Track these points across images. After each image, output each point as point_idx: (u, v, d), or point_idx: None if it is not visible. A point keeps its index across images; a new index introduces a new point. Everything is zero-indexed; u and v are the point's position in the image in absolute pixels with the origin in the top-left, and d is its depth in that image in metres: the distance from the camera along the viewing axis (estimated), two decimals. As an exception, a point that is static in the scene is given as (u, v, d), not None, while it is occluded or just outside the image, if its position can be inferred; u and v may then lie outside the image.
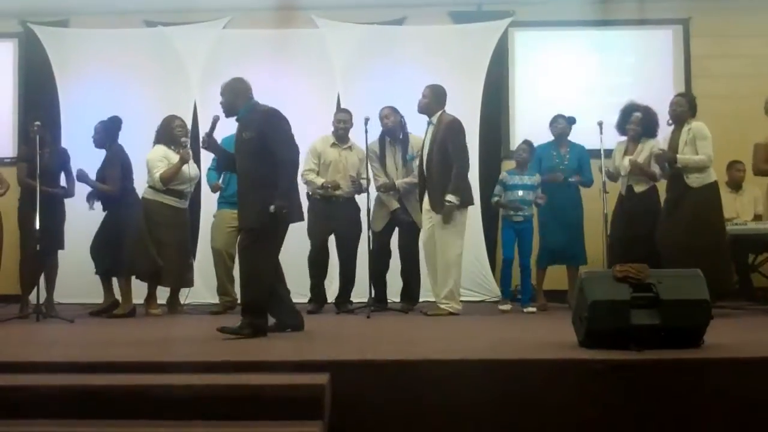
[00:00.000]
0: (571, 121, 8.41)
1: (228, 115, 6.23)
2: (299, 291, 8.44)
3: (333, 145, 8.40)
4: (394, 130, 8.15)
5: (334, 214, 8.24)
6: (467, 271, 8.78)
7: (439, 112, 7.63)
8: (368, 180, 8.01)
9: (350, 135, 8.45)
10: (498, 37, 9.81)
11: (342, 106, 9.39)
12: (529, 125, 9.16)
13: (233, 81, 6.25)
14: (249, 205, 5.93)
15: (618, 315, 4.53)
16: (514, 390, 4.23)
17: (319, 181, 8.23)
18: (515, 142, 8.78)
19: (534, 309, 7.89)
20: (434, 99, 7.67)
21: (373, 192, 8.15)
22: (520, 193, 7.97)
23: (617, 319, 4.53)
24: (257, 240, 5.83)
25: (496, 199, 8.10)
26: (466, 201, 7.56)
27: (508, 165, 8.69)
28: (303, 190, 8.29)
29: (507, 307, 7.95)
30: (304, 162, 8.31)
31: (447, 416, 4.21)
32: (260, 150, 5.91)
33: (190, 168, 8.04)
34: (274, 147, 5.90)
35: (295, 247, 8.33)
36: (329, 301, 8.44)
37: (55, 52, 10.07)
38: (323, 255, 8.34)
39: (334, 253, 8.47)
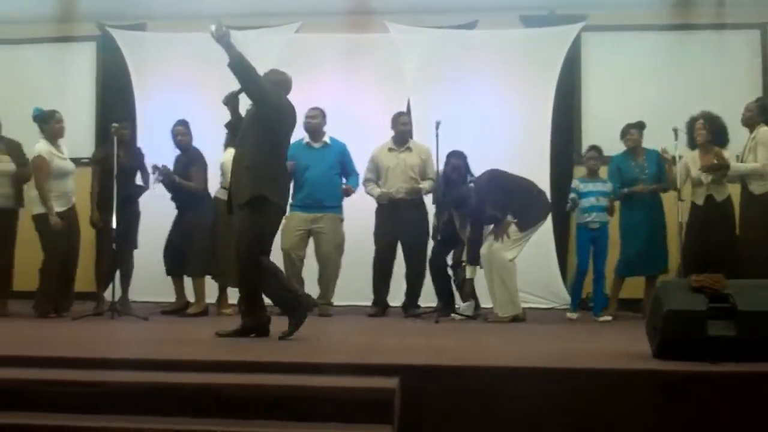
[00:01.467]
0: (642, 126, 8.27)
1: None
2: (363, 295, 8.52)
3: (390, 150, 8.43)
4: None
5: (399, 218, 8.25)
6: (536, 277, 8.73)
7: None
8: (433, 180, 7.99)
9: (419, 137, 8.45)
10: (570, 42, 9.70)
11: (412, 110, 9.41)
12: (601, 131, 9.04)
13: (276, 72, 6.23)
14: (242, 183, 5.79)
15: (693, 325, 4.43)
16: (584, 400, 4.18)
17: (376, 192, 8.31)
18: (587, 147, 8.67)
19: (609, 318, 7.79)
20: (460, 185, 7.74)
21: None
22: (594, 199, 7.88)
23: (693, 329, 4.43)
24: (247, 229, 5.71)
25: (570, 204, 8.03)
26: (524, 226, 7.50)
27: (580, 171, 8.59)
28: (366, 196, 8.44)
29: (574, 315, 7.86)
30: (364, 172, 8.39)
31: (515, 424, 4.18)
32: (258, 123, 5.84)
33: None
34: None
35: (359, 251, 8.41)
36: (394, 305, 8.44)
37: (132, 54, 10.27)
38: (388, 260, 8.36)
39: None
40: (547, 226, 8.90)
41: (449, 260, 8.18)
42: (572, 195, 8.04)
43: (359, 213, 8.52)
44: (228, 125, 6.25)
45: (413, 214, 8.32)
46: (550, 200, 8.33)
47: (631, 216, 8.03)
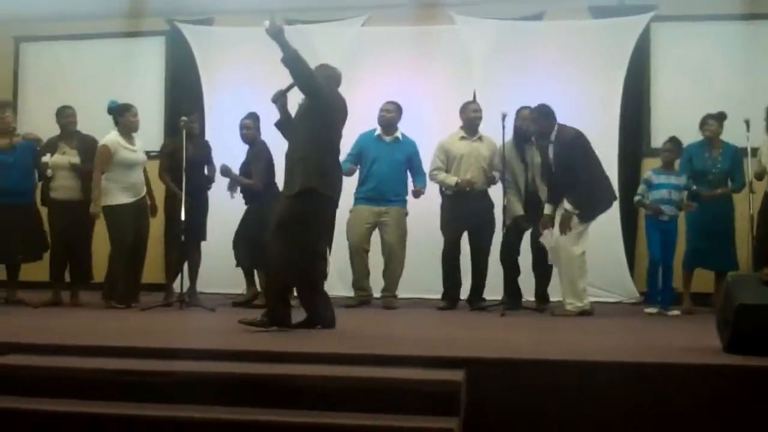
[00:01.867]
0: (722, 117, 8.09)
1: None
2: (432, 288, 8.51)
3: (462, 138, 8.37)
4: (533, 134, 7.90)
5: (467, 209, 8.18)
6: (604, 271, 8.64)
7: (555, 129, 7.45)
8: (502, 173, 7.96)
9: (485, 129, 8.41)
10: (639, 32, 9.54)
11: (479, 101, 9.38)
12: (671, 122, 8.89)
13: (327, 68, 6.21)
14: (293, 174, 5.77)
15: (766, 320, 4.37)
16: (652, 394, 4.14)
17: (452, 180, 8.20)
18: (656, 139, 8.55)
19: (678, 312, 7.68)
20: (544, 121, 7.49)
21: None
22: (666, 192, 7.77)
23: (765, 323, 4.37)
24: (288, 221, 5.69)
25: (638, 198, 7.93)
26: (586, 216, 7.35)
27: (649, 163, 8.48)
28: (435, 186, 8.38)
29: (653, 310, 7.71)
30: (431, 161, 8.35)
31: (582, 417, 4.16)
32: (310, 116, 5.83)
33: None
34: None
35: (427, 243, 8.41)
36: (462, 298, 8.41)
37: (200, 49, 10.41)
38: (456, 252, 8.32)
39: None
40: (615, 218, 8.82)
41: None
42: (637, 198, 7.96)
43: (424, 207, 8.50)
44: (277, 124, 6.26)
45: (480, 205, 8.28)
46: (617, 192, 8.25)
47: (699, 208, 7.87)
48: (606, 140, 8.94)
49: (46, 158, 8.00)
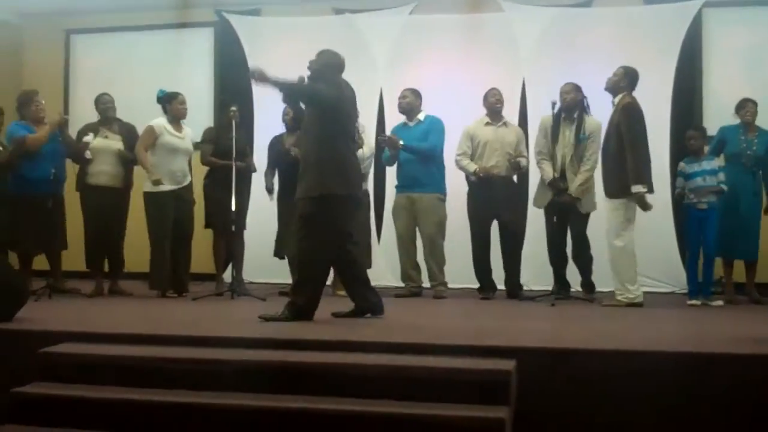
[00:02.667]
0: (755, 102, 8.02)
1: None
2: (468, 277, 8.48)
3: (487, 124, 8.32)
4: (570, 108, 7.91)
5: (494, 196, 8.11)
6: (656, 261, 8.55)
7: (622, 94, 7.37)
8: (527, 159, 7.90)
9: (535, 118, 8.35)
10: (692, 17, 9.39)
11: (527, 90, 9.33)
12: (723, 110, 8.72)
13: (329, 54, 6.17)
14: (312, 177, 5.78)
15: None
16: (702, 384, 4.11)
17: (472, 167, 8.17)
18: (709, 126, 8.40)
19: (721, 302, 7.56)
20: (624, 79, 7.40)
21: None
22: (701, 180, 7.65)
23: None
24: (309, 221, 5.73)
25: (678, 190, 7.83)
26: (650, 188, 7.24)
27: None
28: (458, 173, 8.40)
29: (696, 301, 7.59)
30: (458, 146, 8.31)
31: (632, 408, 4.13)
32: (318, 120, 5.86)
33: (364, 149, 8.02)
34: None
35: (458, 233, 8.38)
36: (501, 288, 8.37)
37: (248, 39, 10.45)
38: (485, 239, 8.26)
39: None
40: (667, 208, 8.71)
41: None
42: (677, 190, 7.86)
43: (457, 193, 8.48)
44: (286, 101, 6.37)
45: (509, 191, 8.24)
46: (669, 181, 8.15)
47: (728, 196, 7.74)
48: (657, 129, 8.81)
49: (89, 138, 8.02)
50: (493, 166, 8.14)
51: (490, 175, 8.10)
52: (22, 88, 8.83)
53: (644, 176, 7.15)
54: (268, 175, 8.43)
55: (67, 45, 11.27)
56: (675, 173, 8.29)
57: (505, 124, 8.35)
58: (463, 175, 8.37)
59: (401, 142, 8.18)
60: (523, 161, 8.18)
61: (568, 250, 8.02)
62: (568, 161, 7.83)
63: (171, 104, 7.95)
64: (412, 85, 8.66)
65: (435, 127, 8.36)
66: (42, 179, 7.69)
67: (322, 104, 5.82)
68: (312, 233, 5.72)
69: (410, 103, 8.43)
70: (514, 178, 8.33)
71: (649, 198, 7.20)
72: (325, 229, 5.72)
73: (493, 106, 8.31)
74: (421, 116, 8.44)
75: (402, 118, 8.63)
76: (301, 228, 5.80)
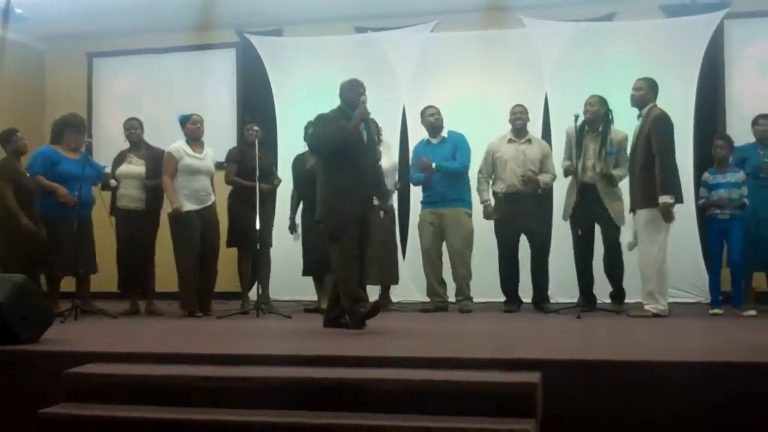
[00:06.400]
0: None
1: None
2: (496, 291, 8.47)
3: (510, 141, 8.32)
4: (593, 121, 7.90)
5: (521, 211, 8.13)
6: (681, 271, 8.49)
7: (650, 106, 7.39)
8: (553, 176, 7.93)
9: (558, 132, 8.35)
10: (713, 30, 9.38)
11: (550, 105, 9.32)
12: (746, 122, 8.66)
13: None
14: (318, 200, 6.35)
15: None
16: (733, 394, 4.06)
17: (484, 196, 8.30)
18: (733, 138, 8.36)
19: (754, 312, 7.50)
20: (648, 91, 7.43)
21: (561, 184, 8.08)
22: (725, 192, 7.61)
23: None
24: (329, 238, 6.19)
25: (702, 201, 7.79)
26: (679, 198, 7.30)
27: (726, 164, 8.29)
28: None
29: (718, 311, 7.55)
30: (481, 163, 8.33)
31: (659, 419, 4.10)
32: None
33: (385, 161, 7.98)
34: None
35: (483, 247, 8.38)
36: (526, 301, 8.38)
37: (270, 59, 10.53)
38: (512, 254, 8.27)
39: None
40: (692, 217, 8.68)
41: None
42: (700, 201, 7.84)
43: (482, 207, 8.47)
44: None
45: (536, 206, 8.23)
46: (693, 192, 8.09)
47: (751, 208, 7.69)
48: (681, 140, 8.74)
49: (114, 183, 8.19)
50: (513, 185, 8.16)
51: (513, 192, 8.13)
52: (46, 113, 8.91)
53: (672, 187, 7.16)
54: (293, 206, 8.60)
55: (90, 68, 11.40)
56: (698, 185, 8.27)
57: (529, 140, 8.34)
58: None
59: (434, 165, 8.20)
60: (544, 177, 8.16)
61: (595, 263, 8.00)
62: (597, 174, 7.81)
63: (185, 126, 8.06)
64: (435, 101, 8.67)
65: (462, 146, 8.38)
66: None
67: (321, 152, 6.38)
68: (335, 244, 6.17)
69: (439, 120, 8.44)
70: (539, 191, 8.31)
71: (675, 208, 7.18)
72: (340, 238, 6.15)
73: (515, 123, 8.32)
74: (444, 133, 8.45)
75: (422, 135, 8.64)
76: (328, 242, 6.26)
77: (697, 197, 8.05)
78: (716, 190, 7.66)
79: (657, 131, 7.24)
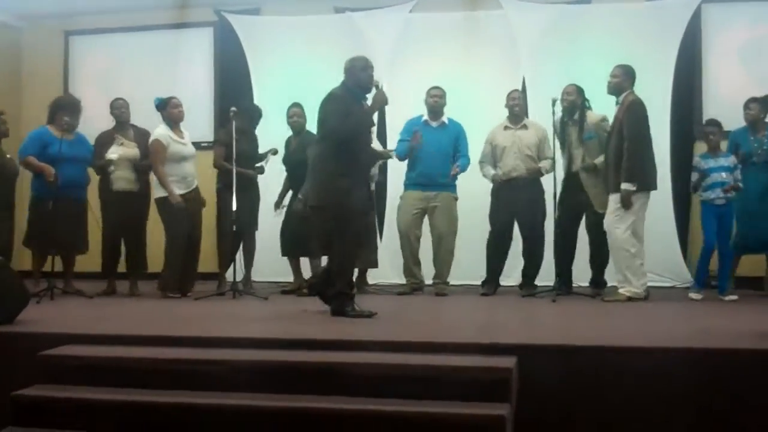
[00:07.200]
0: (766, 101, 7.95)
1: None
2: (475, 274, 8.49)
3: (506, 128, 8.33)
4: (570, 110, 7.93)
5: (515, 197, 8.13)
6: (657, 255, 8.52)
7: (626, 93, 7.42)
8: (553, 160, 7.92)
9: (535, 115, 8.36)
10: (690, 14, 9.38)
11: (528, 88, 9.30)
12: (722, 106, 8.75)
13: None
14: (314, 183, 6.23)
15: None
16: (709, 380, 4.09)
17: (491, 173, 8.25)
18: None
19: (735, 297, 7.53)
20: (624, 78, 7.46)
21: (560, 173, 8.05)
22: (717, 175, 7.61)
23: None
24: (337, 226, 6.02)
25: (693, 184, 7.80)
26: (645, 186, 7.31)
27: (701, 147, 8.32)
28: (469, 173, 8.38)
29: (698, 296, 7.58)
30: (481, 151, 8.33)
31: (634, 405, 4.13)
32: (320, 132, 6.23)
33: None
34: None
35: (473, 231, 8.38)
36: (509, 284, 8.42)
37: (248, 39, 10.46)
38: (503, 240, 8.27)
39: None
40: (667, 202, 8.72)
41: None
42: (693, 185, 7.82)
43: (473, 194, 8.50)
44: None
45: (530, 193, 8.21)
46: (670, 176, 8.12)
47: (746, 191, 7.71)
48: (657, 124, 8.78)
49: (112, 155, 8.05)
50: (511, 170, 8.16)
51: (510, 178, 8.14)
52: (23, 92, 8.82)
53: (637, 175, 7.20)
54: (286, 187, 8.59)
55: (66, 46, 11.26)
56: (675, 168, 8.30)
57: (525, 126, 8.33)
58: (470, 175, 8.37)
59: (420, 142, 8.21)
60: (544, 164, 8.17)
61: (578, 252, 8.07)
62: (580, 162, 7.86)
63: (166, 109, 7.96)
64: (412, 82, 8.66)
65: (464, 139, 8.40)
66: (62, 183, 7.69)
67: (337, 140, 6.03)
68: (338, 228, 6.06)
69: (442, 103, 8.39)
70: (541, 179, 8.29)
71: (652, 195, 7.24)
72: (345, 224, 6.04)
73: (511, 109, 8.32)
74: (445, 119, 8.41)
75: (400, 114, 8.61)
76: (335, 226, 6.09)
77: (675, 182, 8.05)
78: (710, 174, 7.64)
79: (628, 118, 7.29)
